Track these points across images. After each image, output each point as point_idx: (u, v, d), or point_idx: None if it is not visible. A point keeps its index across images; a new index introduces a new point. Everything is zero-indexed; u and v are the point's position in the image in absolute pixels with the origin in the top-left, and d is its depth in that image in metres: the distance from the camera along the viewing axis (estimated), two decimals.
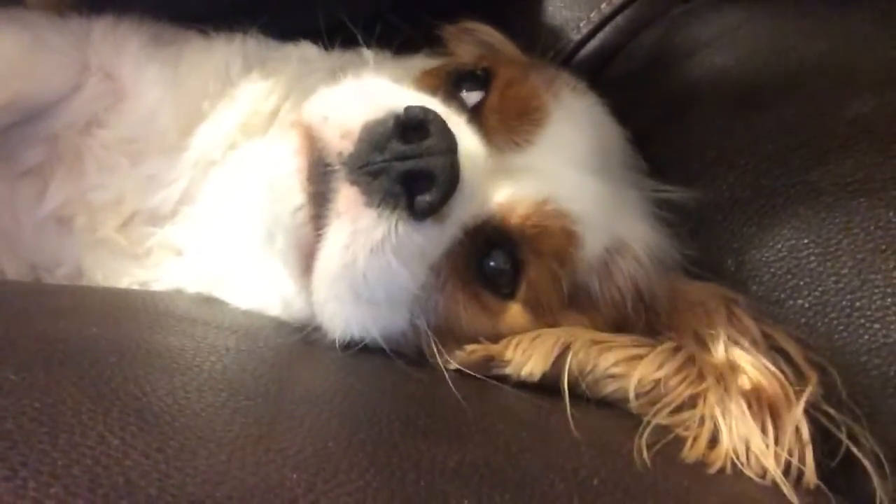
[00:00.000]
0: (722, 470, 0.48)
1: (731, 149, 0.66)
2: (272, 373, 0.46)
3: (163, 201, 0.68)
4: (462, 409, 0.47)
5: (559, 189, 0.55)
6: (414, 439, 0.41)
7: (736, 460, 0.49)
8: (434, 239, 0.50)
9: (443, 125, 0.48)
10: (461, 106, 0.58)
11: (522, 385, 0.53)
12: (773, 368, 0.53)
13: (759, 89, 0.69)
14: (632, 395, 0.53)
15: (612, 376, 0.54)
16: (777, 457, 0.49)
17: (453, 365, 0.53)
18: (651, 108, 0.76)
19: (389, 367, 0.51)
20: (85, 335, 0.44)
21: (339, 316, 0.51)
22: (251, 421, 0.39)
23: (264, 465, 0.35)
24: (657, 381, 0.53)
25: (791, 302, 0.57)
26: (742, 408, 0.51)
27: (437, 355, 0.53)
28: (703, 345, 0.55)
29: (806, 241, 0.58)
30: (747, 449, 0.49)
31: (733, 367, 0.53)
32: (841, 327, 0.54)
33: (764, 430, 0.50)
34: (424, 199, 0.47)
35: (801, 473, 0.49)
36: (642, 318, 0.58)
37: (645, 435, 0.47)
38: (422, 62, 0.73)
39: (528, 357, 0.53)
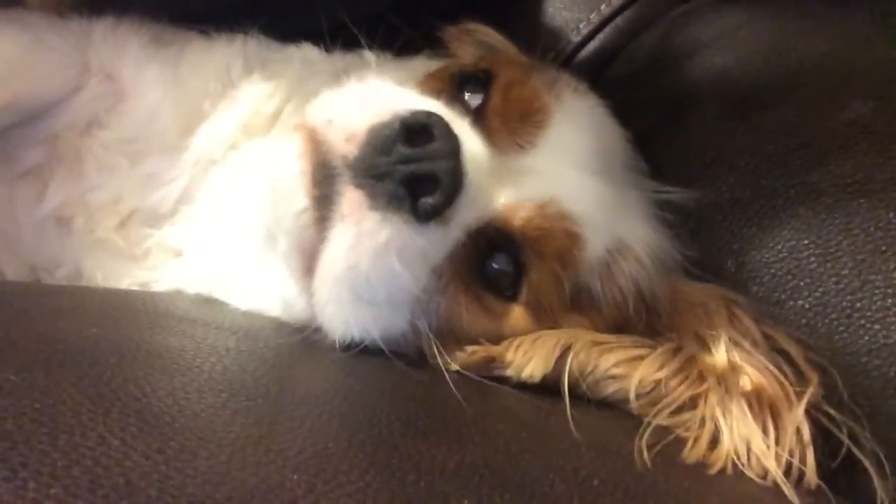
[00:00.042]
0: (723, 471, 0.48)
1: (731, 149, 0.66)
2: (272, 374, 0.46)
3: (161, 200, 0.68)
4: (462, 409, 0.47)
5: (561, 191, 0.55)
6: (414, 440, 0.41)
7: (737, 461, 0.49)
8: (437, 241, 0.50)
9: (447, 129, 0.48)
10: (464, 108, 0.58)
11: (522, 386, 0.53)
12: (773, 369, 0.53)
13: (759, 90, 0.69)
14: (632, 395, 0.53)
15: (613, 377, 0.54)
16: (778, 457, 0.49)
17: (454, 366, 0.53)
18: (651, 109, 0.76)
19: (389, 368, 0.51)
20: (85, 336, 0.44)
21: (340, 317, 0.51)
22: (251, 422, 0.39)
23: (264, 465, 0.35)
24: (658, 382, 0.53)
25: (791, 303, 0.57)
26: (743, 408, 0.51)
27: (438, 356, 0.53)
28: (704, 346, 0.55)
29: (806, 241, 0.58)
30: (748, 450, 0.49)
31: (734, 368, 0.53)
32: (841, 328, 0.54)
33: (765, 431, 0.50)
34: (428, 201, 0.48)
35: (801, 474, 0.49)
36: (643, 319, 0.58)
37: (645, 436, 0.47)
38: (423, 64, 0.73)
39: (528, 359, 0.53)
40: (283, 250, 0.52)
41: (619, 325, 0.58)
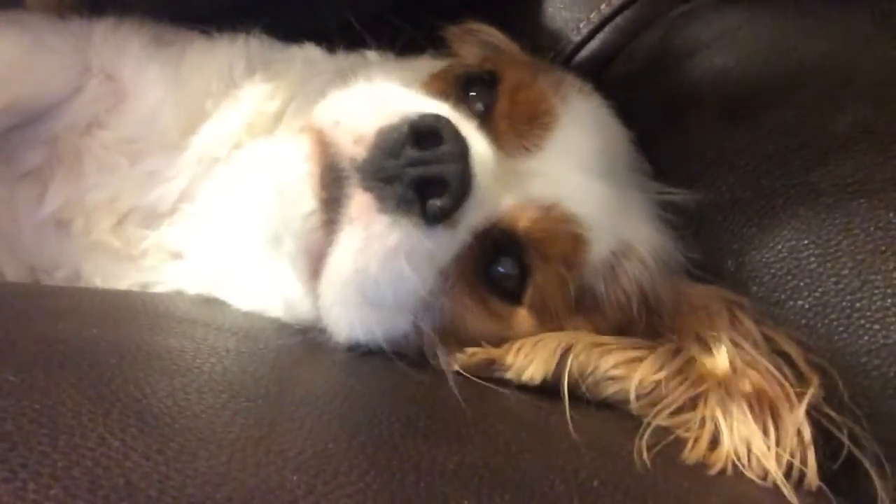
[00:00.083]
0: (723, 471, 0.48)
1: (731, 150, 0.66)
2: (272, 374, 0.46)
3: (161, 198, 0.68)
4: (462, 410, 0.47)
5: (567, 194, 0.55)
6: (414, 441, 0.41)
7: (737, 462, 0.49)
8: (445, 244, 0.50)
9: (456, 131, 0.48)
10: (471, 110, 0.58)
11: (523, 387, 0.53)
12: (774, 371, 0.53)
13: (759, 90, 0.69)
14: (632, 396, 0.53)
15: (613, 378, 0.54)
16: (778, 458, 0.49)
17: (454, 367, 0.53)
18: (651, 109, 0.76)
19: (390, 368, 0.51)
20: (85, 337, 0.44)
21: (345, 319, 0.51)
22: (251, 423, 0.39)
23: (264, 466, 0.35)
24: (658, 383, 0.53)
25: (791, 303, 0.57)
26: (743, 409, 0.51)
27: (440, 357, 0.53)
28: (705, 347, 0.55)
29: (806, 242, 0.58)
30: (748, 450, 0.49)
31: (735, 370, 0.53)
32: (841, 328, 0.54)
33: (765, 432, 0.50)
34: (437, 204, 0.48)
35: (802, 475, 0.49)
36: (644, 321, 0.58)
37: (645, 436, 0.47)
38: (426, 64, 0.73)
39: (529, 362, 0.53)
40: (290, 252, 0.52)
41: (622, 327, 0.58)
